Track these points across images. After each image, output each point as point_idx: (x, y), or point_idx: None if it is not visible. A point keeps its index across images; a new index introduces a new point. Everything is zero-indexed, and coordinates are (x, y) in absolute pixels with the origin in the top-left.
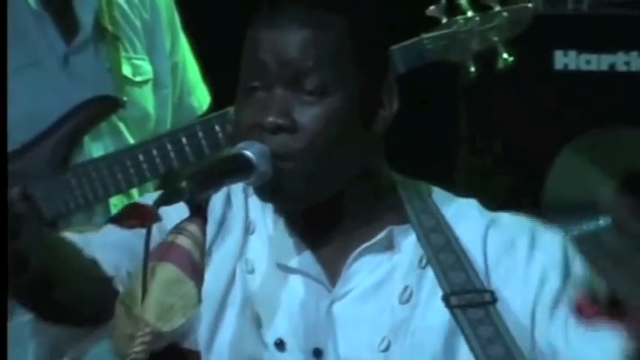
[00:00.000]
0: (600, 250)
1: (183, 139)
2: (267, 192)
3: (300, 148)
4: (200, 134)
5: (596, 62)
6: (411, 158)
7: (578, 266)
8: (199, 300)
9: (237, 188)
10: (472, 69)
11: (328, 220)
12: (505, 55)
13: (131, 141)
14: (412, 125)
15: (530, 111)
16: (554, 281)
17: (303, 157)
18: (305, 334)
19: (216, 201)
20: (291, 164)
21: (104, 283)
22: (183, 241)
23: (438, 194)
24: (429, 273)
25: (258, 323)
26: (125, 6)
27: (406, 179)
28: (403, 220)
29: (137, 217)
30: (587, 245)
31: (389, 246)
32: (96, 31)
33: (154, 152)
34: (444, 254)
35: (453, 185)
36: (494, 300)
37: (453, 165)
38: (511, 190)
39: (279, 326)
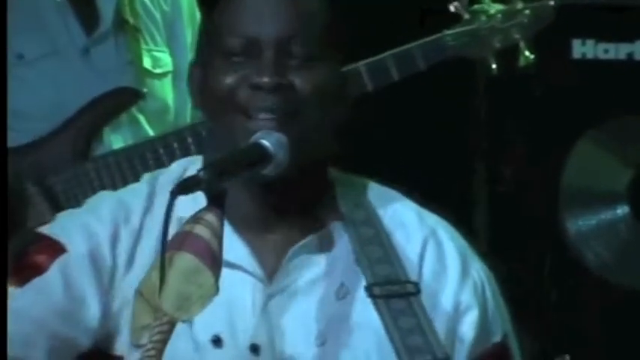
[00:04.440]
0: (618, 240)
1: (204, 133)
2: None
3: (299, 105)
4: None
5: (614, 51)
6: (430, 158)
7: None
8: (217, 289)
9: (164, 189)
10: (493, 66)
11: (269, 215)
12: (527, 53)
13: (150, 133)
14: (432, 123)
15: (548, 100)
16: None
17: (302, 114)
18: (242, 329)
19: (135, 207)
20: (291, 120)
21: None
22: (201, 230)
23: (376, 190)
24: None
25: (192, 320)
26: None
27: (342, 174)
28: (340, 217)
29: (36, 254)
30: (604, 234)
31: (327, 243)
32: (116, 22)
33: (175, 145)
34: (372, 247)
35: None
36: (417, 291)
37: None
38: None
39: (216, 322)
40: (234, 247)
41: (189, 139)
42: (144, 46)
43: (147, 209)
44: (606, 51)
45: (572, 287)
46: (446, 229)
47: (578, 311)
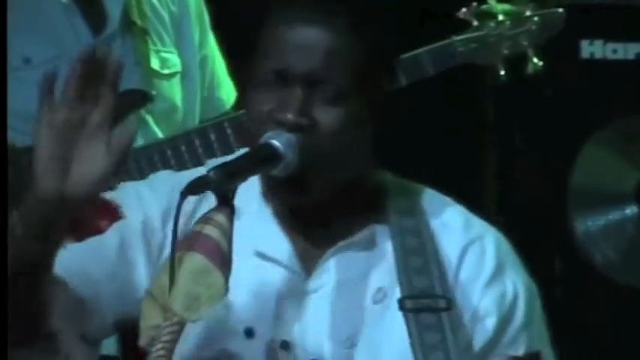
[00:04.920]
0: (626, 240)
1: (212, 136)
2: (283, 189)
3: (319, 148)
4: (229, 131)
5: (623, 51)
6: (440, 159)
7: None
8: (227, 290)
9: None
10: (502, 72)
11: (315, 215)
12: (535, 60)
13: (159, 133)
14: (441, 125)
15: (556, 100)
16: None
17: (322, 157)
18: (275, 324)
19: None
20: (307, 162)
21: None
22: (210, 231)
23: (430, 197)
24: None
25: (228, 308)
26: None
27: (397, 179)
28: (386, 220)
29: (97, 217)
30: (613, 235)
31: (369, 245)
32: (124, 24)
33: (183, 148)
34: (414, 257)
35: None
36: (448, 307)
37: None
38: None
39: (251, 314)
40: (276, 242)
41: (197, 142)
42: (152, 47)
43: (204, 195)
44: (615, 51)
45: (580, 287)
46: (494, 238)
47: (586, 311)
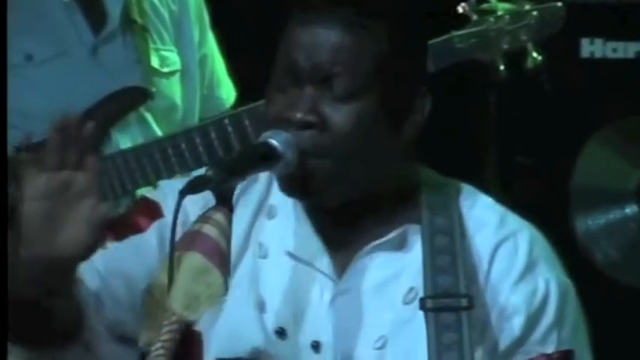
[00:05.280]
0: (627, 240)
1: (212, 134)
2: (292, 187)
3: (329, 146)
4: (229, 129)
5: (623, 50)
6: (440, 156)
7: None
8: (226, 289)
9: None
10: (501, 67)
11: (347, 216)
12: (534, 55)
13: (158, 132)
14: (442, 123)
15: (556, 99)
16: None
17: (332, 155)
18: (306, 325)
19: None
20: (319, 161)
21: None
22: (209, 230)
23: (467, 194)
24: None
25: (261, 308)
26: None
27: (436, 176)
28: (419, 218)
29: (138, 215)
30: (614, 234)
31: (401, 245)
32: (124, 22)
33: (183, 146)
34: (441, 256)
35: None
36: (470, 306)
37: (481, 162)
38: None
39: (282, 314)
40: (308, 243)
41: (198, 140)
42: (152, 45)
43: (242, 192)
44: (615, 50)
45: (581, 287)
46: (529, 234)
47: (587, 311)
